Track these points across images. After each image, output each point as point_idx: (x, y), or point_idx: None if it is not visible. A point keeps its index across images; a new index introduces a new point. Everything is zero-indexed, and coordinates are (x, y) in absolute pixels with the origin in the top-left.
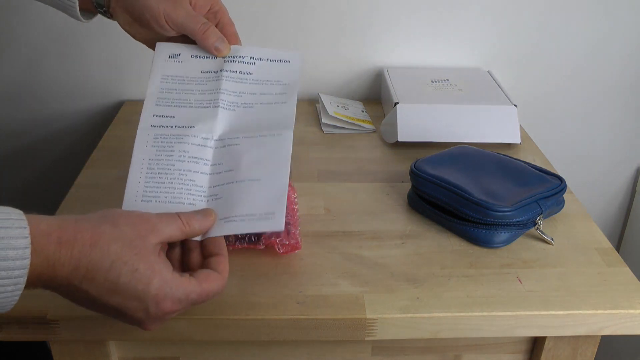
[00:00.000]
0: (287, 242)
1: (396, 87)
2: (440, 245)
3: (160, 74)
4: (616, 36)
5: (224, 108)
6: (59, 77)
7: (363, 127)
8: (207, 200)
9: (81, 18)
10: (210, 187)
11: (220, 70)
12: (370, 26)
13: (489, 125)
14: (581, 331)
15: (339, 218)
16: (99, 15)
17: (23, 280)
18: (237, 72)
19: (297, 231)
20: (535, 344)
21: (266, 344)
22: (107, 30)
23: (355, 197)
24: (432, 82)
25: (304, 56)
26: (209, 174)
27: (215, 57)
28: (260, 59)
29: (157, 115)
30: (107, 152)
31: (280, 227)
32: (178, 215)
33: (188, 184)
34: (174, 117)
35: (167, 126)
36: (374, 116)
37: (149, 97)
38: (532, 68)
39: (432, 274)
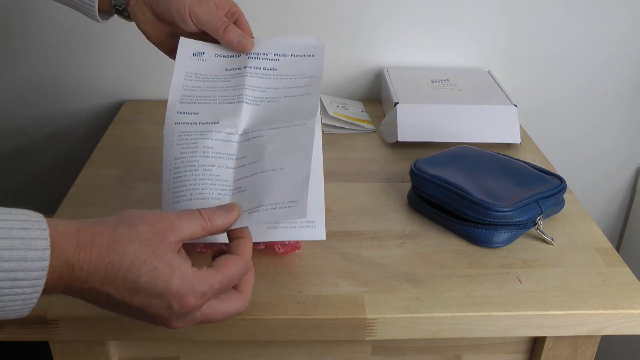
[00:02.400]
0: (287, 242)
1: (396, 87)
2: (440, 245)
3: (184, 70)
4: (616, 36)
5: (248, 103)
6: (59, 77)
7: (363, 127)
8: (232, 194)
9: (99, 19)
10: (235, 180)
11: (244, 67)
12: (370, 26)
13: (489, 125)
14: (581, 331)
15: (339, 218)
16: (100, 16)
17: (42, 282)
18: (261, 68)
19: None
20: (535, 344)
21: (266, 344)
22: (107, 31)
23: (355, 197)
24: (432, 82)
25: None
26: (234, 168)
27: (239, 54)
28: (284, 55)
29: (180, 112)
30: (107, 152)
31: (303, 214)
32: (199, 211)
33: (212, 179)
34: (198, 113)
35: (191, 123)
36: (374, 116)
37: (173, 93)
38: (532, 68)
39: (432, 274)
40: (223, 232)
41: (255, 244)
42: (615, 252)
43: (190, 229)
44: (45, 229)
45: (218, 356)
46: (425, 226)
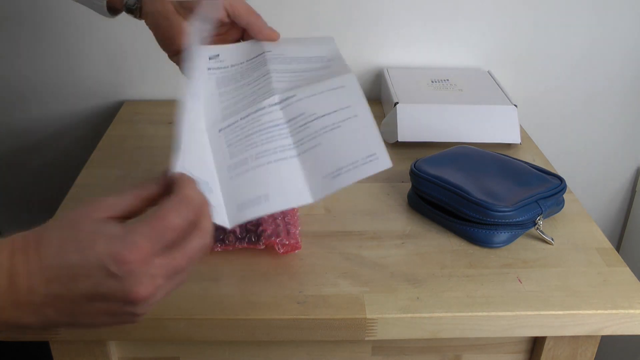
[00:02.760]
0: (287, 242)
1: (396, 87)
2: (440, 245)
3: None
4: (616, 36)
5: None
6: (60, 77)
7: None
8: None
9: (108, 14)
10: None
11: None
12: (370, 26)
13: (489, 125)
14: (581, 331)
15: (339, 218)
16: (99, 15)
17: None
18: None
19: (297, 231)
20: (535, 344)
21: (266, 344)
22: (107, 31)
23: (355, 197)
24: (432, 82)
25: None
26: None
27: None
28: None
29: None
30: (107, 152)
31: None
32: (133, 185)
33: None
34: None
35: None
36: (374, 116)
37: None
38: (532, 68)
39: (432, 274)
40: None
41: (255, 244)
42: (615, 252)
43: (122, 201)
44: None
45: (218, 356)
46: (425, 226)
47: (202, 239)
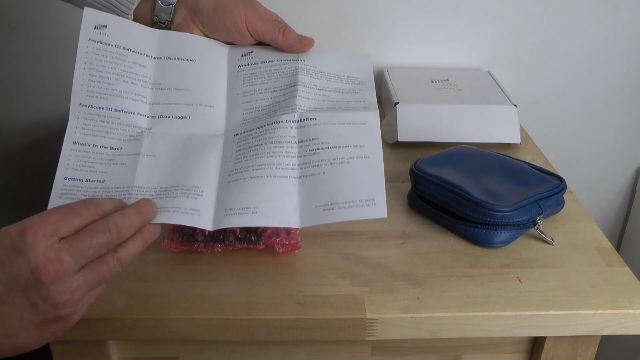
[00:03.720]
0: (287, 242)
1: (396, 87)
2: (440, 245)
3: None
4: (616, 36)
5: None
6: (59, 77)
7: None
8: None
9: None
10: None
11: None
12: (370, 26)
13: (489, 125)
14: (581, 331)
15: None
16: None
17: None
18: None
19: (297, 231)
20: (535, 344)
21: (266, 344)
22: None
23: None
24: (432, 82)
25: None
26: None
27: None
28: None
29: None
30: None
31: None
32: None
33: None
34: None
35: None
36: None
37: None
38: (532, 68)
39: (432, 274)
40: (118, 217)
41: (255, 244)
42: (615, 252)
43: (54, 214)
44: None
45: (218, 356)
46: (425, 226)
47: (106, 230)
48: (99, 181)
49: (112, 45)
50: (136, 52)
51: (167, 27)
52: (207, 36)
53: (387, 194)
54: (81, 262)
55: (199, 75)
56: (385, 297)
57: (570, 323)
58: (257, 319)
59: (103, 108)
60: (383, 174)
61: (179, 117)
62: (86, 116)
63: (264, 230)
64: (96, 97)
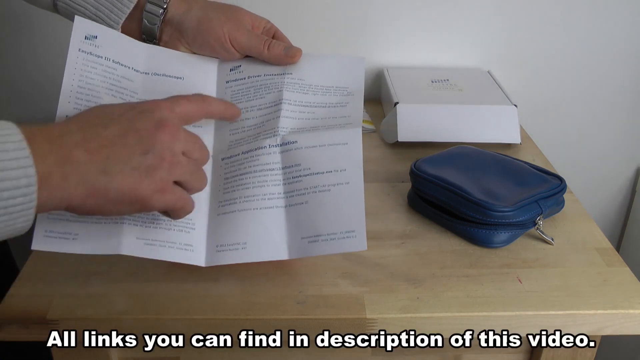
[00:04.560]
0: None
1: (396, 87)
2: (440, 245)
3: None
4: (616, 36)
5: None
6: (58, 78)
7: (363, 127)
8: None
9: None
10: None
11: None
12: (370, 26)
13: (489, 125)
14: (581, 331)
15: None
16: None
17: (32, 171)
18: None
19: None
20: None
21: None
22: None
23: None
24: (432, 82)
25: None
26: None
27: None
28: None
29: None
30: None
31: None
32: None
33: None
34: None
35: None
36: (374, 116)
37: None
38: (532, 68)
39: (432, 274)
40: (217, 110)
41: None
42: (615, 252)
43: (183, 98)
44: (11, 127)
45: (218, 356)
46: (425, 226)
47: (205, 153)
48: None
49: (102, 57)
50: (125, 65)
51: (156, 45)
52: (192, 52)
53: (387, 194)
54: (187, 147)
55: (188, 93)
56: (385, 297)
57: (570, 323)
58: (257, 319)
59: None
60: (363, 201)
61: None
62: None
63: None
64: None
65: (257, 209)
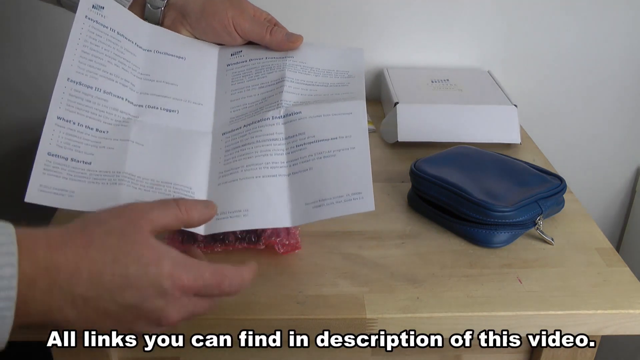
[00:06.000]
0: (287, 242)
1: (396, 87)
2: (440, 245)
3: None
4: (616, 36)
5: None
6: (52, 77)
7: None
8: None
9: None
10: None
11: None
12: (370, 26)
13: (489, 125)
14: (581, 331)
15: (339, 218)
16: None
17: (13, 293)
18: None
19: (297, 231)
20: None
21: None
22: None
23: None
24: (432, 82)
25: None
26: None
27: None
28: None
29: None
30: None
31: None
32: (175, 201)
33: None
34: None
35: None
36: (374, 116)
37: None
38: (532, 68)
39: (432, 274)
40: (197, 226)
41: (255, 244)
42: (615, 252)
43: (164, 218)
44: (6, 227)
45: (218, 356)
46: (425, 226)
47: (235, 274)
48: (85, 162)
49: (107, 27)
50: (129, 39)
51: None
52: (196, 38)
53: (387, 194)
54: (189, 316)
55: (188, 73)
56: (385, 297)
57: (570, 323)
58: (257, 319)
59: (92, 87)
60: (369, 164)
61: (167, 110)
62: (73, 92)
63: (263, 230)
64: (86, 75)
65: (259, 177)
